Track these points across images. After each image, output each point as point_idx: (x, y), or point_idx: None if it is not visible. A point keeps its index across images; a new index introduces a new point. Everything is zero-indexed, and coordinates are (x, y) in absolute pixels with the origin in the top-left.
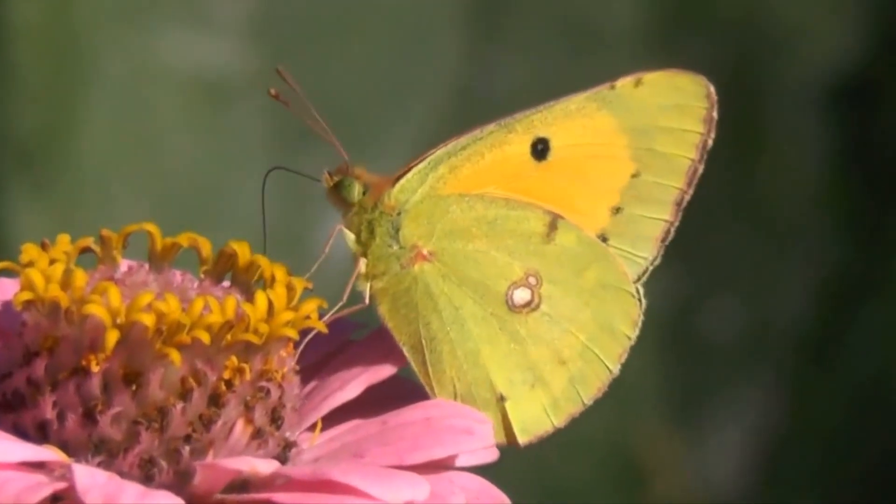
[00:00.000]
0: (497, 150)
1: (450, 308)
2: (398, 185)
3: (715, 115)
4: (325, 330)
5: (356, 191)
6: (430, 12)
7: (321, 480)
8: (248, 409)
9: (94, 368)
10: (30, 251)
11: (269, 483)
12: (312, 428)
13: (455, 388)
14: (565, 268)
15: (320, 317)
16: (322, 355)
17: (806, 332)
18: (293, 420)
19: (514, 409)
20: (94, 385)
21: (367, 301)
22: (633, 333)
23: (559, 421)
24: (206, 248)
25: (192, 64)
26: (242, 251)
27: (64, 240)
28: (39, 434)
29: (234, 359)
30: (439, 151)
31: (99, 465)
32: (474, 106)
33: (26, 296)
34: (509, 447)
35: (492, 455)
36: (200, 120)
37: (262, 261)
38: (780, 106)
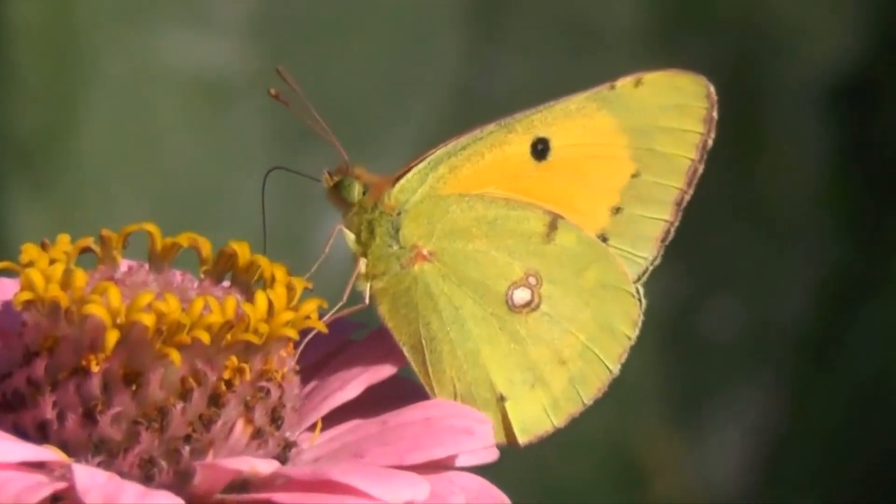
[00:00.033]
0: (497, 150)
1: (450, 308)
2: (398, 185)
3: (715, 115)
4: (325, 330)
5: (356, 191)
6: (430, 12)
7: (321, 480)
8: (248, 409)
9: (94, 368)
10: (30, 251)
11: (269, 483)
12: (312, 428)
13: (455, 388)
14: (565, 268)
15: (320, 317)
16: (322, 355)
17: (806, 332)
18: (293, 420)
19: (514, 409)
20: (94, 385)
21: (367, 301)
22: (633, 333)
23: (559, 421)
24: (206, 248)
25: (192, 64)
26: (242, 251)
27: (64, 240)
28: (39, 434)
29: (234, 359)
30: (439, 151)
31: (99, 465)
32: (474, 106)
33: (26, 296)
34: (509, 447)
35: (492, 455)
36: (200, 120)
37: (262, 261)
38: (780, 106)
